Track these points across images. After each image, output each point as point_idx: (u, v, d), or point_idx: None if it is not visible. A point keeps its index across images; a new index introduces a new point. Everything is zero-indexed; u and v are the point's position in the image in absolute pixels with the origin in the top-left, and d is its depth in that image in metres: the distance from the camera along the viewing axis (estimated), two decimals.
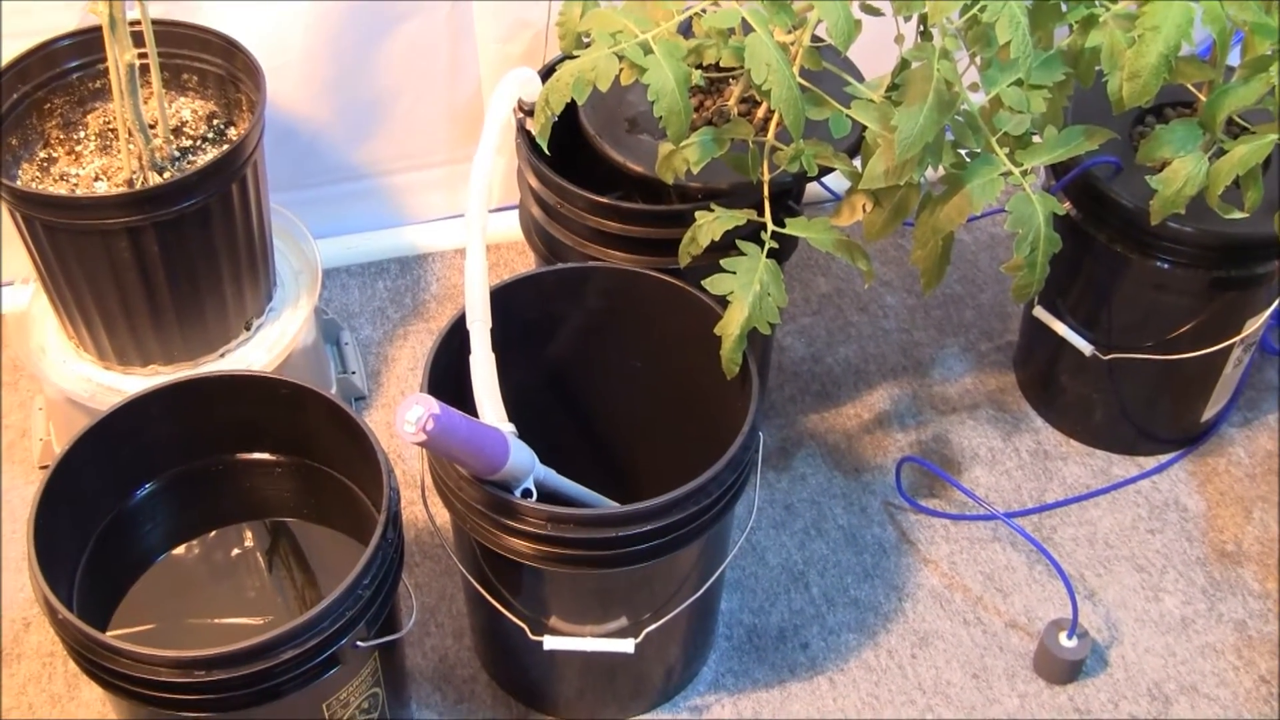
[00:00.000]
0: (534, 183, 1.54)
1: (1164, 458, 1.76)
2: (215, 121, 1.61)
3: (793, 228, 1.42)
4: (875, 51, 1.51)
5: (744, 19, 1.30)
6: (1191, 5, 1.32)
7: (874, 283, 1.95)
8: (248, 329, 1.64)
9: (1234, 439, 1.78)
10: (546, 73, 1.61)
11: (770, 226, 1.40)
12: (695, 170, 1.39)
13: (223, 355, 1.63)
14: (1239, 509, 1.71)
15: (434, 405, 1.15)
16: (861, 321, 1.90)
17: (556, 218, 1.53)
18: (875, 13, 1.46)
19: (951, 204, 1.38)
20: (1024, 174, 1.38)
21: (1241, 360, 1.69)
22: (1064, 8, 1.44)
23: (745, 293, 1.36)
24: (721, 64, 1.39)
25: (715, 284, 1.37)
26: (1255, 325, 1.62)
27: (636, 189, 1.56)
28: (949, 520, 1.69)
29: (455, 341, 1.36)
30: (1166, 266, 1.56)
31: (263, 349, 1.64)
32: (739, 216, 1.40)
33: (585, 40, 1.54)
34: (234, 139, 1.58)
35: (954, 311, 1.92)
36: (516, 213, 1.66)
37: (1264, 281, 1.57)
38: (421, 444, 1.16)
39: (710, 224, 1.40)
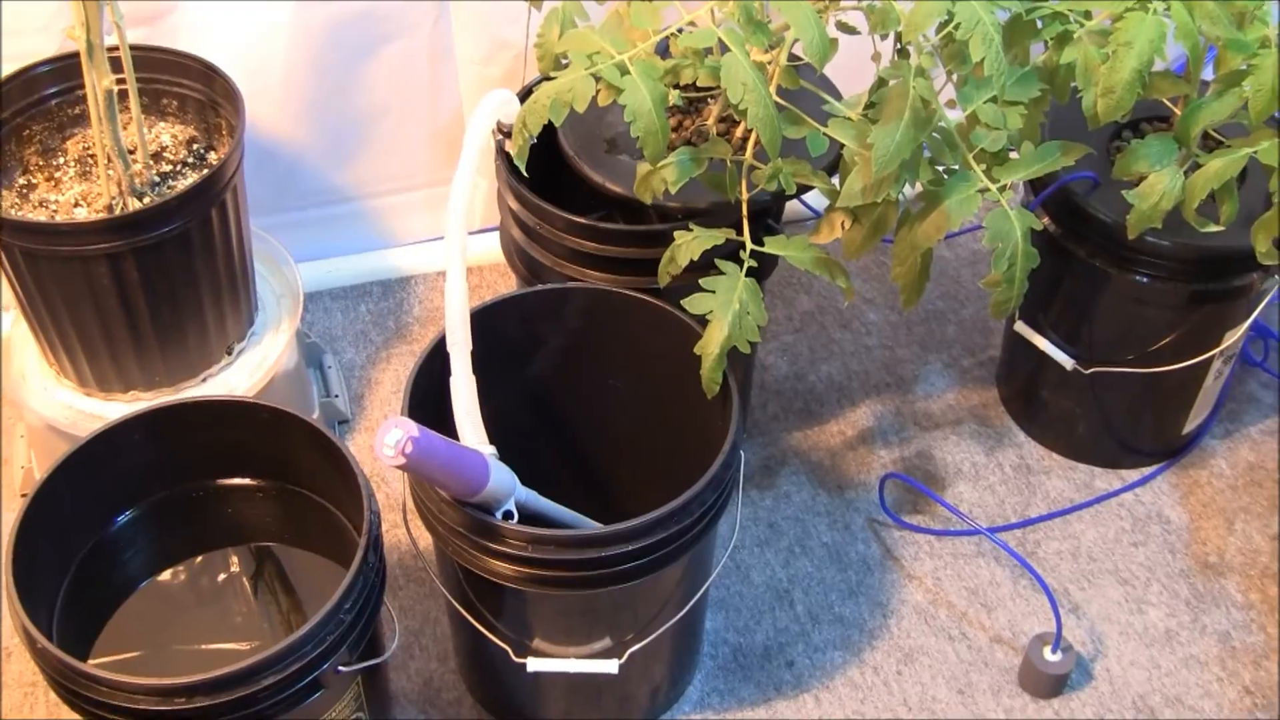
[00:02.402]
0: (513, 204, 1.54)
1: (1147, 470, 1.76)
2: (195, 146, 1.61)
3: (772, 246, 1.42)
4: (853, 69, 1.52)
5: (720, 39, 1.30)
6: (1164, 21, 1.32)
7: (856, 299, 1.95)
8: (229, 353, 1.64)
9: (1216, 451, 1.78)
10: (525, 94, 1.61)
11: (749, 245, 1.40)
12: (673, 190, 1.39)
13: (204, 380, 1.63)
14: (1221, 520, 1.71)
15: (413, 428, 1.15)
16: (844, 339, 1.90)
17: (536, 239, 1.53)
18: (851, 31, 1.47)
19: (929, 221, 1.38)
20: (1001, 190, 1.38)
21: (1222, 372, 1.70)
22: (1039, 24, 1.45)
23: (725, 312, 1.36)
24: (699, 84, 1.39)
25: (694, 303, 1.37)
26: (1234, 337, 1.62)
27: (617, 209, 1.56)
28: (933, 536, 1.68)
29: (436, 364, 1.36)
30: (1145, 280, 1.56)
31: (244, 373, 1.64)
32: (718, 236, 1.40)
33: (564, 61, 1.55)
34: (214, 163, 1.58)
35: (936, 328, 1.92)
36: (498, 234, 1.66)
37: (1242, 294, 1.57)
38: (401, 467, 1.15)
39: (689, 243, 1.40)
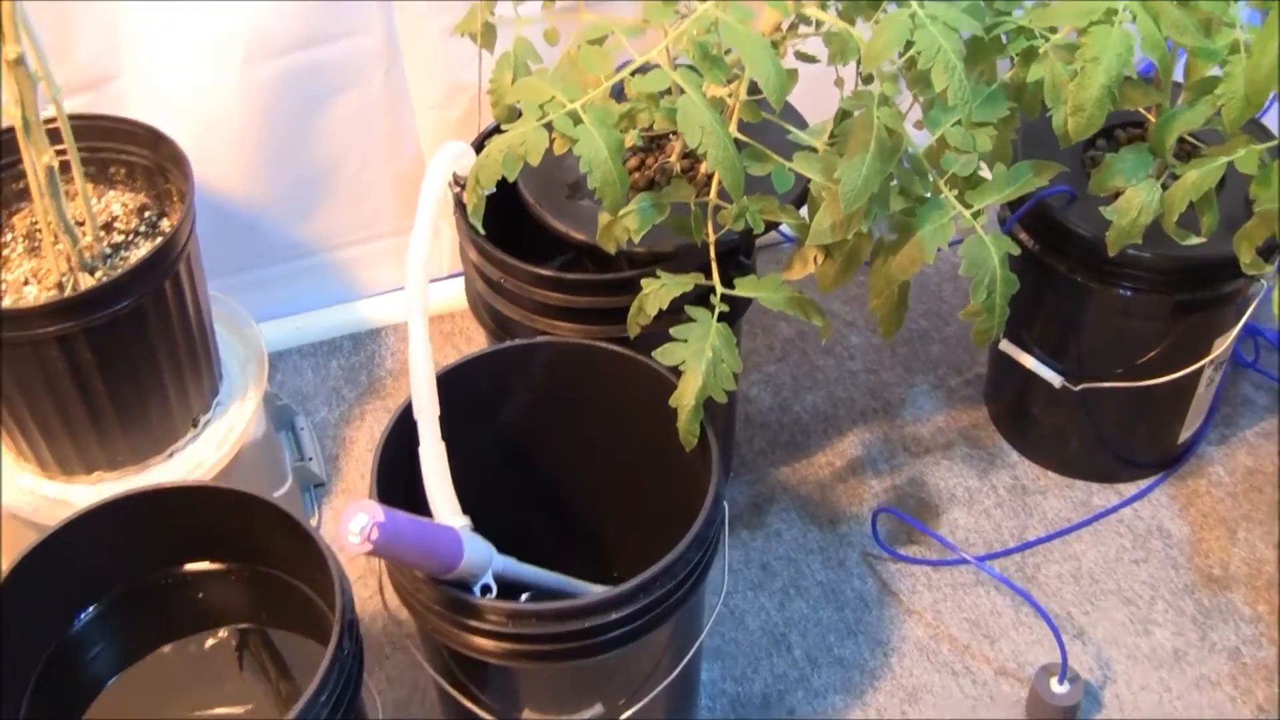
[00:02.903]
0: (476, 258, 1.49)
1: (1144, 483, 1.71)
2: (147, 214, 1.56)
3: (743, 288, 1.37)
4: (817, 92, 1.46)
5: (675, 81, 1.25)
6: (1130, 33, 1.27)
7: (836, 323, 1.90)
8: (195, 426, 1.59)
9: (1213, 458, 1.73)
10: (481, 142, 1.56)
11: (719, 289, 1.35)
12: (636, 239, 1.34)
13: (170, 455, 1.57)
14: (1223, 531, 1.66)
15: (378, 512, 1.10)
16: (827, 365, 1.85)
17: (502, 292, 1.48)
18: (811, 60, 1.42)
19: (903, 253, 1.33)
20: (975, 215, 1.33)
21: (1214, 379, 1.65)
22: (1004, 39, 1.39)
23: (698, 361, 1.31)
24: (656, 127, 1.34)
25: (666, 354, 1.32)
26: (1225, 344, 1.57)
27: (585, 253, 1.50)
28: (930, 567, 1.63)
29: (404, 431, 1.31)
30: (1129, 293, 1.51)
31: (211, 446, 1.58)
32: (686, 282, 1.35)
33: (517, 108, 1.50)
34: (166, 230, 1.53)
35: (920, 348, 1.87)
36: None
37: (1229, 300, 1.52)
38: (369, 554, 1.11)
39: (657, 292, 1.35)
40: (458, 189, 1.47)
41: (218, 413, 1.61)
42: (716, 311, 1.34)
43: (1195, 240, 1.39)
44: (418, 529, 1.17)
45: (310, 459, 1.75)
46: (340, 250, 1.86)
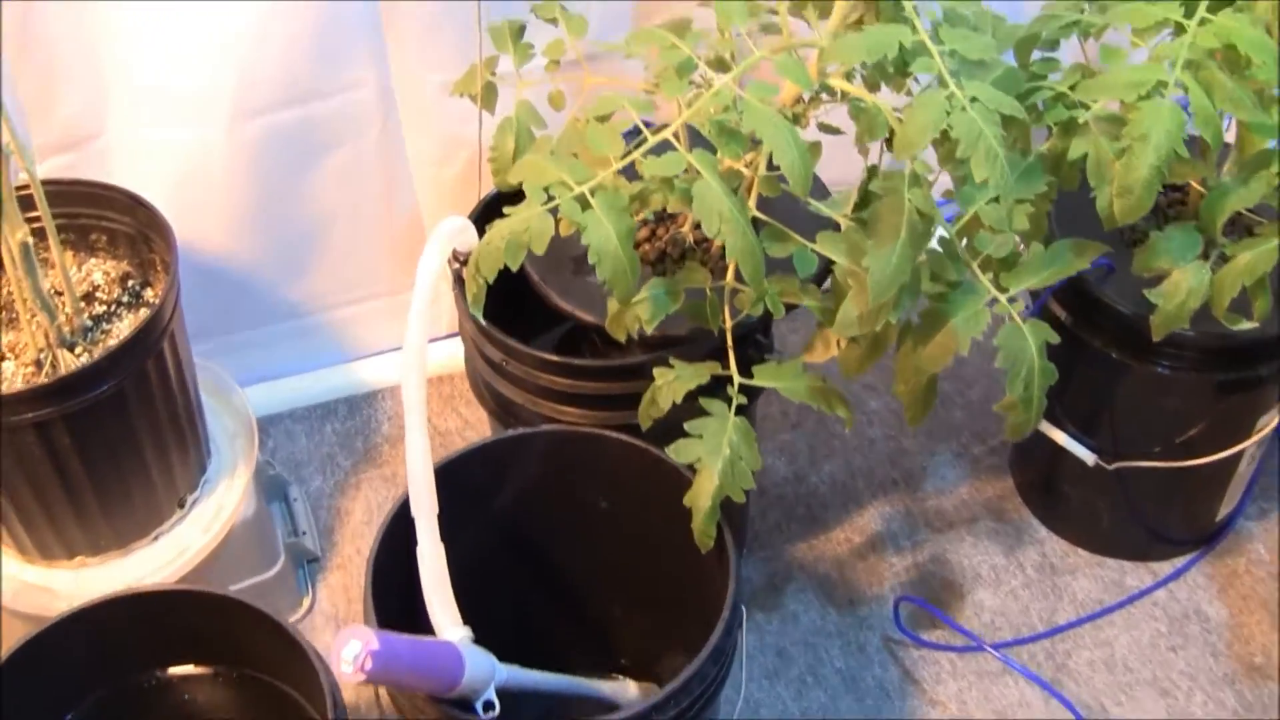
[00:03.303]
0: (475, 336, 1.38)
1: (1179, 561, 1.61)
2: (130, 283, 1.46)
3: (761, 377, 1.27)
4: (838, 154, 1.36)
5: (690, 162, 1.15)
6: (1181, 109, 1.17)
7: (855, 386, 1.79)
8: (182, 507, 1.49)
9: (1252, 534, 1.63)
10: (483, 208, 1.46)
11: (737, 379, 1.25)
12: (649, 329, 1.24)
13: (156, 538, 1.47)
14: (1264, 614, 1.56)
15: (372, 639, 1.01)
16: (845, 432, 1.74)
17: (504, 374, 1.38)
18: (835, 131, 1.32)
19: (935, 343, 1.23)
20: (1012, 301, 1.23)
21: (1255, 455, 1.54)
22: (1040, 106, 1.29)
23: (714, 459, 1.21)
24: (669, 209, 1.23)
25: (680, 452, 1.22)
26: (1270, 424, 1.46)
27: (593, 329, 1.40)
28: (955, 654, 1.53)
29: (401, 528, 1.21)
30: (1168, 371, 1.41)
31: (199, 527, 1.48)
32: (701, 373, 1.25)
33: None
34: (151, 300, 1.43)
35: (942, 412, 1.77)
36: None
37: (1274, 380, 1.42)
38: (363, 683, 1.01)
39: (670, 384, 1.25)
40: (457, 265, 1.37)
41: (206, 491, 1.51)
42: (734, 404, 1.24)
43: (1247, 325, 1.29)
44: (415, 651, 1.08)
45: (304, 533, 1.65)
46: (334, 310, 1.76)
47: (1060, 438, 1.52)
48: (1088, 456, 1.50)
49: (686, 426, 1.23)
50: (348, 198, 1.65)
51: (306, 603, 1.61)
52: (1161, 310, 1.28)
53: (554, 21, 1.38)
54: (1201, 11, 1.20)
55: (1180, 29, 1.21)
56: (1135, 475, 1.50)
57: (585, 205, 1.15)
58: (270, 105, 1.54)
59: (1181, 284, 1.27)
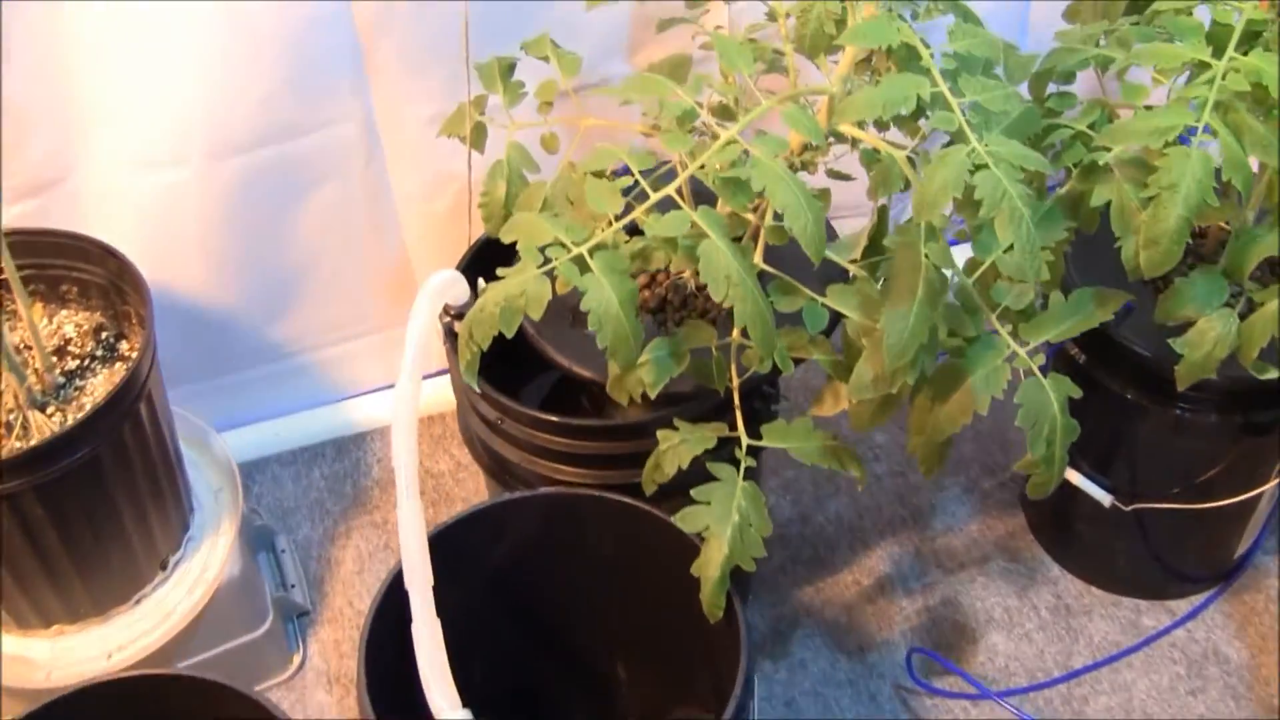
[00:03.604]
0: (470, 395, 1.30)
1: (1196, 600, 1.54)
2: (104, 335, 1.38)
3: (770, 438, 1.19)
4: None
5: (695, 221, 1.06)
6: (1212, 156, 1.09)
7: None
8: (164, 568, 1.41)
9: (1270, 570, 1.56)
10: (474, 256, 1.38)
11: (745, 440, 1.18)
12: (653, 393, 1.16)
13: (138, 602, 1.39)
14: None
15: None
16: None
17: (500, 433, 1.30)
18: (845, 178, 1.24)
19: (953, 403, 1.15)
20: (1033, 355, 1.15)
21: (1275, 493, 1.47)
22: (1057, 145, 1.22)
23: (723, 526, 1.14)
24: (672, 269, 1.15)
25: (687, 520, 1.15)
26: None
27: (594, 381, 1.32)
28: (969, 701, 1.46)
29: (395, 602, 1.14)
30: (1188, 414, 1.33)
31: (183, 589, 1.40)
32: (708, 438, 1.17)
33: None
34: (126, 353, 1.35)
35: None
36: None
37: None
38: None
39: (676, 448, 1.18)
40: (448, 319, 1.29)
41: (189, 550, 1.43)
42: (742, 467, 1.16)
43: (1276, 373, 1.21)
44: None
45: (293, 586, 1.57)
46: (320, 350, 1.67)
47: (1075, 478, 1.44)
48: (1104, 498, 1.43)
49: (694, 494, 1.15)
50: (332, 236, 1.57)
51: (297, 660, 1.53)
52: (1187, 360, 1.20)
53: (546, 59, 1.30)
54: (1230, 52, 1.12)
55: (1202, 67, 1.13)
56: (1152, 515, 1.43)
57: (584, 267, 1.07)
58: (247, 143, 1.45)
59: (1208, 333, 1.19)
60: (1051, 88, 1.30)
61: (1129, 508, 1.42)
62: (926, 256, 1.08)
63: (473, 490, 1.64)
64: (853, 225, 1.52)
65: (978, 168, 1.01)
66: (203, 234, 1.50)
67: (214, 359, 1.62)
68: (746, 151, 1.05)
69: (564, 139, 1.30)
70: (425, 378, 1.19)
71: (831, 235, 1.33)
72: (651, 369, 1.15)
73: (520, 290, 1.07)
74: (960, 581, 1.56)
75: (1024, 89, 1.32)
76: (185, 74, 1.38)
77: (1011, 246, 1.12)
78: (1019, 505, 1.63)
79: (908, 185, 1.10)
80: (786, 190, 1.02)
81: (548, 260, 1.07)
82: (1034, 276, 1.04)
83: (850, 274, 1.21)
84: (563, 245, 1.07)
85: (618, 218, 1.09)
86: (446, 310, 1.28)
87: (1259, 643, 1.50)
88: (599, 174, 1.11)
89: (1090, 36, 1.31)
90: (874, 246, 1.27)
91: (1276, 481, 1.39)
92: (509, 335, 1.08)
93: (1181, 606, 1.53)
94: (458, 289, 1.24)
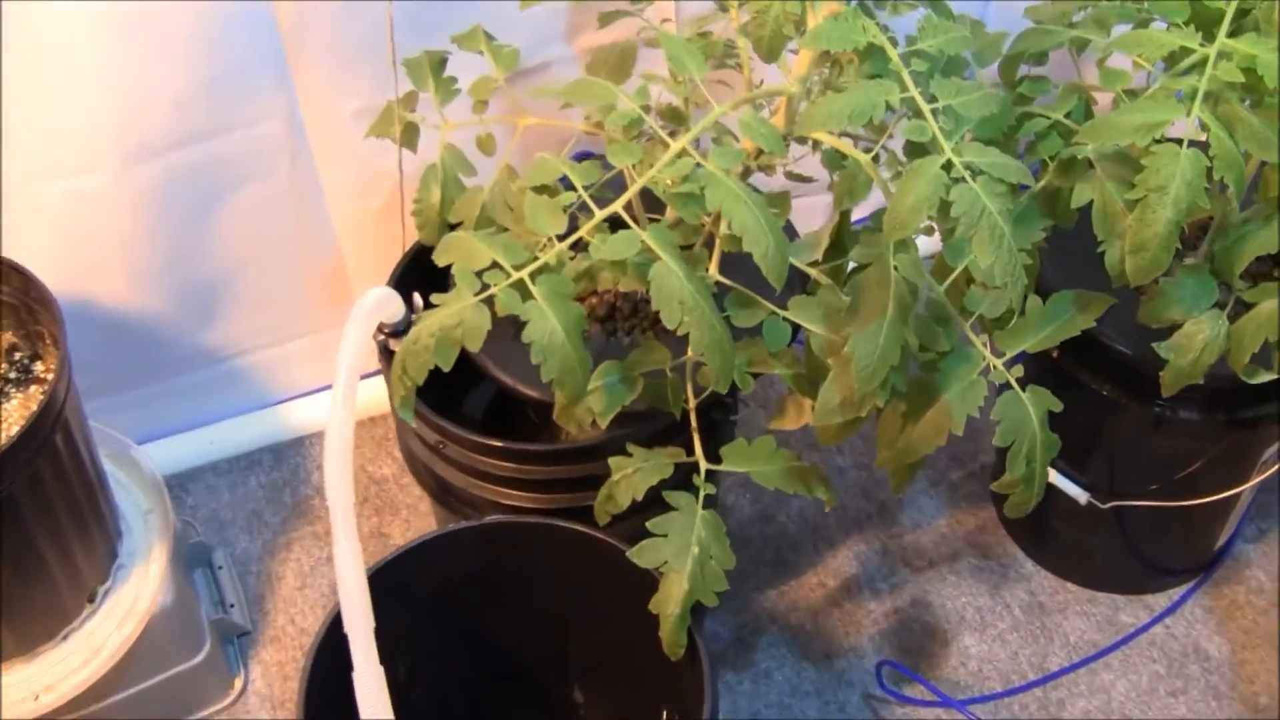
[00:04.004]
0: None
1: (1175, 594, 1.46)
2: (18, 356, 1.26)
3: (730, 460, 1.09)
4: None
5: (644, 241, 0.95)
6: (1203, 157, 0.98)
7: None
8: (92, 600, 1.30)
9: (1250, 559, 1.48)
10: (408, 265, 1.27)
11: (703, 466, 1.07)
12: (603, 424, 1.05)
13: (65, 638, 1.28)
14: (1267, 649, 1.40)
15: None
16: (813, 461, 1.56)
17: (442, 456, 1.19)
18: (805, 180, 1.13)
19: (926, 422, 1.06)
20: (1010, 366, 1.06)
21: (1257, 486, 1.38)
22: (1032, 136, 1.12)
23: (681, 561, 1.04)
24: (622, 289, 1.04)
25: (644, 555, 1.05)
26: (1274, 468, 1.30)
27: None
28: (940, 709, 1.37)
29: (334, 645, 1.04)
30: (1168, 412, 1.24)
31: (113, 622, 1.29)
32: (663, 467, 1.07)
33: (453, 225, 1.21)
34: (42, 374, 1.23)
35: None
36: None
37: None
38: None
39: (629, 478, 1.07)
40: (382, 337, 1.17)
41: (119, 579, 1.32)
42: (701, 495, 1.06)
43: (1266, 376, 1.12)
44: None
45: (231, 606, 1.46)
46: (253, 354, 1.55)
47: (1051, 475, 1.34)
48: (1080, 495, 1.33)
49: (650, 526, 1.05)
50: (260, 237, 1.44)
51: (239, 684, 1.42)
52: (1173, 366, 1.11)
53: (480, 53, 1.19)
54: (1221, 38, 1.02)
55: (1187, 51, 1.03)
56: (1131, 511, 1.34)
57: (525, 293, 0.96)
58: (164, 146, 1.33)
59: (1196, 337, 1.09)
60: (1023, 69, 1.20)
61: (1106, 505, 1.33)
62: (896, 269, 0.98)
63: (418, 496, 1.53)
64: (810, 206, 1.42)
65: (954, 181, 0.90)
66: (122, 242, 1.38)
67: (141, 368, 1.50)
68: (698, 167, 0.93)
69: (502, 139, 1.19)
70: (363, 376, 1.09)
71: (791, 234, 1.22)
72: (602, 397, 1.04)
73: (456, 320, 0.96)
74: (929, 581, 1.47)
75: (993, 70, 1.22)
76: (93, 77, 1.25)
77: None
78: (989, 498, 1.54)
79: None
80: (745, 211, 0.91)
81: (485, 286, 0.96)
82: (1016, 299, 0.94)
83: (811, 279, 1.10)
84: (501, 269, 0.96)
85: (562, 237, 0.98)
86: (381, 329, 1.17)
87: (1241, 638, 1.41)
88: (539, 189, 1.00)
89: (1064, 13, 1.20)
90: (836, 247, 1.17)
91: (1258, 480, 1.30)
92: (446, 369, 0.97)
93: (1160, 601, 1.45)
94: (391, 307, 1.13)
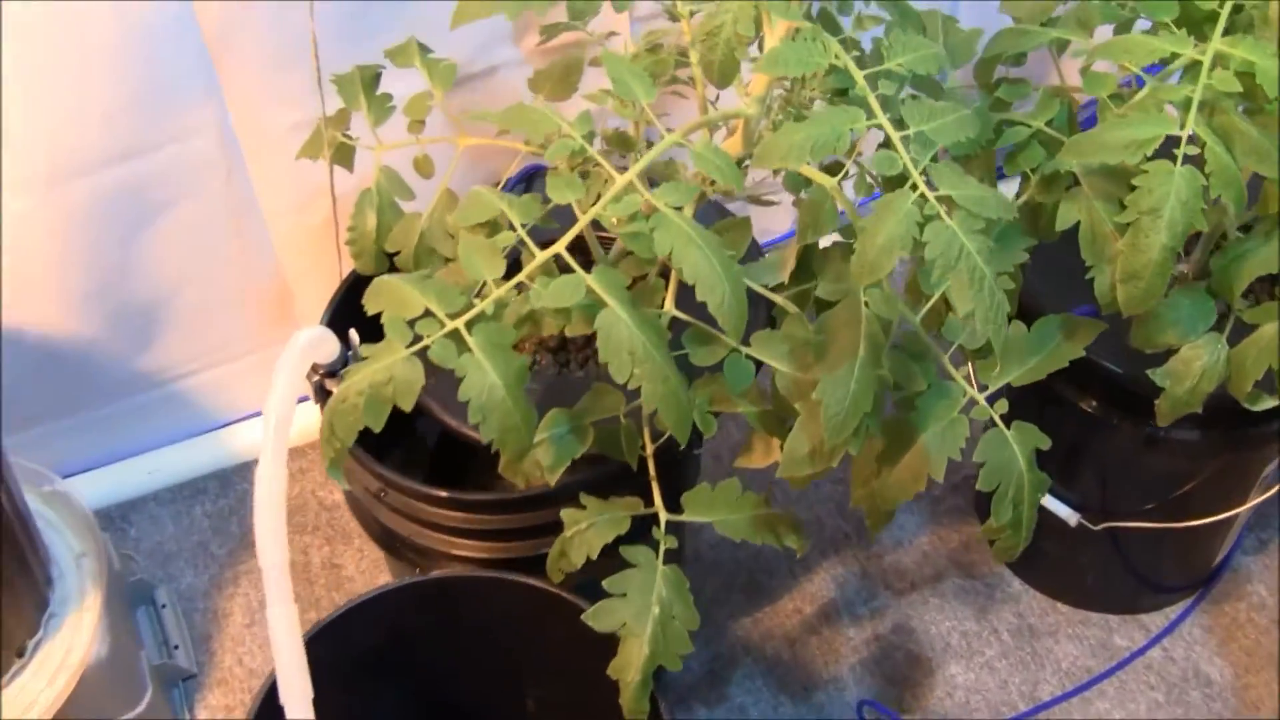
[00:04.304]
0: (350, 463, 1.10)
1: (1172, 612, 1.37)
2: None
3: (693, 509, 1.00)
4: None
5: (590, 287, 0.86)
6: (1199, 175, 0.89)
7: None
8: (21, 655, 1.20)
9: (1250, 573, 1.39)
10: (345, 294, 1.17)
11: (663, 517, 0.98)
12: (551, 480, 0.96)
13: None
14: (1270, 670, 1.32)
15: None
16: (784, 480, 1.47)
17: (386, 503, 1.10)
18: (768, 204, 1.03)
19: (903, 466, 0.97)
20: (994, 402, 0.97)
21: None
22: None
23: (641, 623, 0.95)
24: (568, 334, 0.94)
25: (599, 618, 0.96)
26: (1272, 473, 1.22)
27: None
28: None
29: (270, 710, 0.95)
30: (1164, 432, 1.15)
31: (43, 677, 1.20)
32: (620, 521, 0.98)
33: (390, 254, 1.11)
34: None
35: None
36: None
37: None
38: None
39: (583, 534, 0.98)
40: (317, 378, 1.08)
41: (50, 629, 1.22)
42: (662, 550, 0.97)
43: (1270, 403, 1.03)
44: None
45: (176, 647, 1.37)
46: (193, 376, 1.45)
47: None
48: (1070, 516, 1.25)
49: (606, 585, 0.96)
50: (196, 256, 1.35)
51: None
52: (1170, 395, 1.02)
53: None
54: (1215, 43, 0.92)
55: (1186, 61, 0.93)
56: (1125, 533, 1.25)
57: (461, 344, 0.86)
58: (91, 165, 1.23)
59: (1193, 363, 1.01)
60: (1000, 70, 1.10)
61: (1098, 527, 1.24)
62: (867, 305, 0.89)
63: None
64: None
65: (927, 218, 0.81)
66: (49, 266, 1.28)
67: (75, 395, 1.40)
68: (647, 205, 0.84)
69: (443, 160, 1.09)
70: (302, 401, 1.01)
71: (754, 253, 1.13)
72: (550, 450, 0.95)
73: (387, 376, 0.87)
74: (912, 604, 1.38)
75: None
76: (13, 95, 1.15)
77: None
78: (973, 512, 1.45)
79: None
80: (698, 255, 0.82)
81: (418, 337, 0.87)
82: (1000, 341, 0.84)
83: (775, 307, 1.01)
84: (435, 318, 0.87)
85: (508, 273, 0.89)
86: (315, 369, 1.07)
87: (1243, 659, 1.33)
88: (480, 227, 0.90)
89: (1043, 10, 1.10)
90: (803, 268, 1.07)
91: (1259, 500, 1.21)
92: (376, 430, 0.88)
93: (1156, 621, 1.36)
94: (326, 347, 1.04)
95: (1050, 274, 1.10)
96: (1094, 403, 1.18)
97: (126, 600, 1.38)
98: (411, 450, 1.24)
